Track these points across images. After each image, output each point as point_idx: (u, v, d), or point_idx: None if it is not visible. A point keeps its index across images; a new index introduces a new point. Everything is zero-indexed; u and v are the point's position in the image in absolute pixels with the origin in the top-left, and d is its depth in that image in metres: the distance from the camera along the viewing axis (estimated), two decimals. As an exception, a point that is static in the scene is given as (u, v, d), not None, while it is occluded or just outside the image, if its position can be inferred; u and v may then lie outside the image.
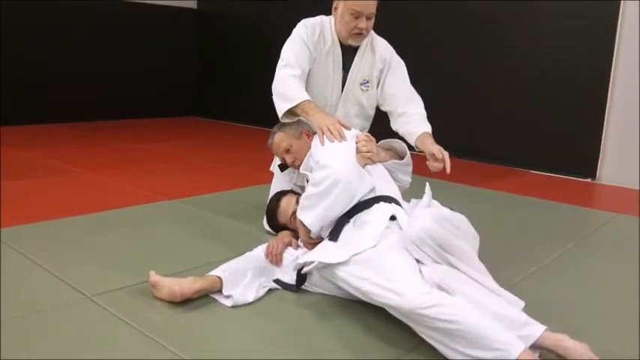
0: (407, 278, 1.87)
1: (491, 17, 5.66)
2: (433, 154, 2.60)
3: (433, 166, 2.59)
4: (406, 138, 2.82)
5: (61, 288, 2.28)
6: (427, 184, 2.32)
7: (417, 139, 2.75)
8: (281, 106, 2.76)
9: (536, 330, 1.80)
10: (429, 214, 2.05)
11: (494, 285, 2.00)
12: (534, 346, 1.77)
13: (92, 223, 3.11)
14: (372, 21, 2.81)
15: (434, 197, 2.27)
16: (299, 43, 2.86)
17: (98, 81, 7.50)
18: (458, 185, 2.33)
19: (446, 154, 2.57)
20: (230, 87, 8.20)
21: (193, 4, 8.52)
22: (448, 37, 5.96)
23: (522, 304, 1.99)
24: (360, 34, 2.81)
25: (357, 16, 2.74)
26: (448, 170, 2.53)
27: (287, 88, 2.78)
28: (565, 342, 1.77)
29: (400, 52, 3.05)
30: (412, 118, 2.86)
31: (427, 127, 2.81)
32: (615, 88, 5.02)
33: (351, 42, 2.87)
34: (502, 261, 2.14)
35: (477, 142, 5.85)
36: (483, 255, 2.20)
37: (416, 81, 3.03)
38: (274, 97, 2.81)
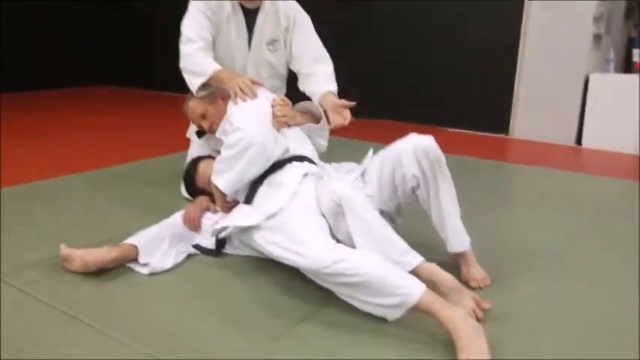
0: (310, 239, 1.90)
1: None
2: (334, 108, 2.60)
3: (335, 119, 2.59)
4: (311, 98, 2.82)
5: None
6: (371, 149, 2.41)
7: (321, 97, 2.73)
8: (194, 82, 2.74)
9: (414, 259, 1.93)
10: (427, 137, 2.16)
11: (455, 215, 2.17)
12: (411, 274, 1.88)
13: (3, 198, 3.01)
14: None
15: (356, 158, 2.32)
16: (196, 15, 2.83)
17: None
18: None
19: (347, 112, 2.58)
20: (146, 53, 7.98)
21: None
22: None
23: (468, 239, 2.19)
24: None
25: None
26: (346, 121, 2.57)
27: (195, 64, 2.76)
28: (436, 271, 1.92)
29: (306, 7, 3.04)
30: (318, 78, 2.86)
31: (332, 87, 2.81)
32: (525, 51, 5.19)
33: (247, 3, 2.87)
34: (420, 212, 2.23)
35: (391, 102, 5.94)
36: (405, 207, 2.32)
37: (326, 41, 3.02)
38: (184, 75, 2.78)
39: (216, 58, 2.83)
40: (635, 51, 5.24)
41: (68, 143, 4.54)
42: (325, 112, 2.64)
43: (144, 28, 7.91)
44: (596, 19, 4.94)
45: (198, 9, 2.83)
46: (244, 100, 2.51)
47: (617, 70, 5.39)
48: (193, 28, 2.82)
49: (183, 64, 2.80)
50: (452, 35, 5.53)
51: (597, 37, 5.10)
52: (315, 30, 3.00)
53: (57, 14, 7.59)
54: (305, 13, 3.00)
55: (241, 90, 2.54)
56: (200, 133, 2.85)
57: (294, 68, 3.01)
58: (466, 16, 5.42)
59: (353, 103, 2.60)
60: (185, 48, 2.81)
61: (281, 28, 2.95)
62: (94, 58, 8.04)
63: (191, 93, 2.75)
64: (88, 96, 7.41)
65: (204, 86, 2.73)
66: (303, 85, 2.91)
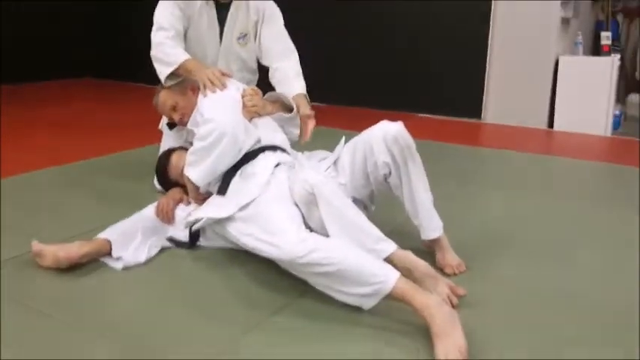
0: (284, 229, 1.90)
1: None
2: (302, 117, 2.65)
3: (306, 129, 2.65)
4: None
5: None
6: (343, 137, 2.41)
7: (292, 100, 2.74)
8: (162, 71, 2.73)
9: (388, 247, 1.94)
10: (397, 123, 2.17)
11: (428, 201, 2.18)
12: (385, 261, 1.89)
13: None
14: None
15: (328, 146, 2.32)
16: (169, 4, 2.82)
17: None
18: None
19: (311, 124, 2.64)
20: (116, 44, 7.86)
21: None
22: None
23: (441, 224, 2.20)
24: None
25: None
26: (305, 138, 2.65)
27: (164, 53, 2.74)
28: (410, 258, 1.93)
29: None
30: (287, 74, 2.86)
31: (301, 87, 2.82)
32: (494, 36, 5.22)
33: None
34: (393, 199, 2.25)
35: (362, 89, 5.95)
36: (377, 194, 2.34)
37: (293, 31, 3.02)
38: (154, 64, 2.76)
39: (187, 50, 2.81)
40: (603, 34, 5.30)
41: (38, 137, 4.47)
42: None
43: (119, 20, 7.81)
44: (564, 3, 4.99)
45: None
46: (214, 92, 2.50)
47: (585, 53, 5.46)
48: (165, 16, 2.81)
49: (154, 52, 2.78)
50: (422, 21, 5.54)
51: (565, 21, 5.16)
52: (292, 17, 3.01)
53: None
54: (275, 6, 2.99)
55: (210, 81, 2.52)
56: (171, 125, 2.83)
57: (263, 61, 3.02)
58: (437, 3, 5.42)
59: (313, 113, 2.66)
60: (156, 36, 2.80)
61: (251, 21, 2.94)
62: (69, 51, 7.92)
63: (161, 85, 2.73)
64: (61, 89, 7.27)
65: (172, 75, 2.71)
66: (273, 80, 2.92)
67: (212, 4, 2.88)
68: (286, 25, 3.00)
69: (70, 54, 7.92)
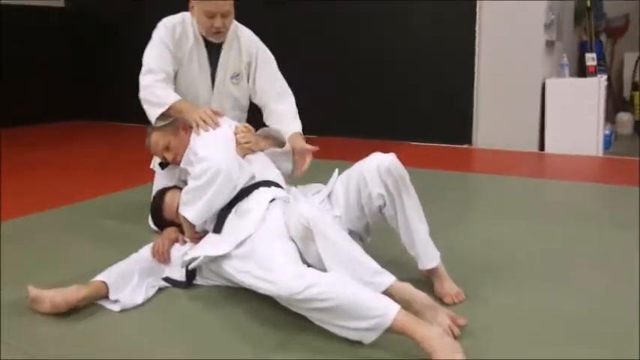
0: (280, 266, 1.90)
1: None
2: (300, 152, 2.67)
3: (303, 163, 2.65)
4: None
5: None
6: (336, 170, 2.43)
7: (289, 139, 2.77)
8: (152, 112, 2.75)
9: (386, 279, 1.93)
10: (390, 155, 2.18)
11: (423, 231, 2.19)
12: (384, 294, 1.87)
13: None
14: (230, 18, 2.81)
15: (322, 179, 2.33)
16: (159, 47, 2.83)
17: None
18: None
19: (308, 158, 2.65)
20: (109, 86, 7.90)
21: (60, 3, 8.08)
22: (317, 12, 6.03)
23: (438, 254, 2.20)
24: (219, 33, 2.81)
25: (211, 16, 2.74)
26: (299, 172, 2.66)
27: (154, 95, 2.77)
28: (409, 290, 1.91)
29: (265, 37, 3.07)
30: (283, 116, 2.89)
31: (298, 126, 2.85)
32: (480, 61, 5.28)
33: (212, 39, 2.87)
34: (387, 228, 2.25)
35: (353, 119, 6.00)
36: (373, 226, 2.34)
37: (284, 63, 3.06)
38: (144, 105, 2.79)
39: (178, 91, 2.84)
40: (588, 55, 5.37)
41: (30, 181, 4.47)
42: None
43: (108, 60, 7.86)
44: (547, 26, 5.06)
45: (161, 39, 2.84)
46: (206, 130, 2.51)
47: (571, 75, 5.52)
48: (155, 58, 2.83)
49: (143, 94, 2.80)
50: (409, 51, 5.61)
51: (550, 44, 5.23)
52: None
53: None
54: (267, 49, 3.04)
55: (203, 120, 2.54)
56: (163, 165, 2.84)
57: (257, 102, 3.05)
58: (423, 32, 5.50)
59: (316, 148, 2.65)
60: (145, 79, 2.81)
61: (243, 62, 2.98)
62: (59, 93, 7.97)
63: (151, 126, 2.74)
64: (52, 131, 7.28)
65: (162, 116, 2.74)
66: (269, 121, 2.94)
67: (203, 45, 2.91)
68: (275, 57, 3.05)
69: (60, 97, 7.97)
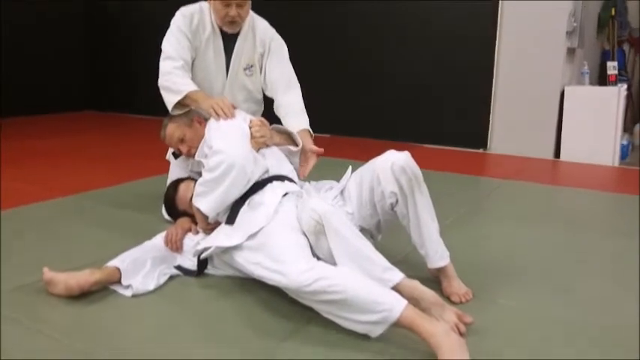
0: (291, 258, 1.92)
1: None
2: (304, 153, 2.69)
3: (306, 165, 2.68)
4: None
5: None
6: (350, 167, 2.44)
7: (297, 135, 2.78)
8: (170, 99, 2.76)
9: (395, 276, 1.94)
10: (404, 153, 2.20)
11: (434, 231, 2.20)
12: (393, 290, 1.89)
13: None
14: (246, 8, 2.84)
15: (335, 176, 2.33)
16: (177, 34, 2.85)
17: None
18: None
19: (312, 160, 2.68)
20: (120, 78, 8.01)
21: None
22: (335, 15, 6.05)
23: (448, 253, 2.21)
24: (234, 22, 2.84)
25: (227, 4, 2.76)
26: (303, 174, 2.67)
27: (172, 81, 2.78)
28: (417, 287, 1.93)
29: (284, 32, 3.08)
30: (290, 110, 2.89)
31: (305, 122, 2.85)
32: (500, 66, 5.27)
33: (227, 29, 2.89)
34: (398, 227, 2.26)
35: (369, 119, 6.01)
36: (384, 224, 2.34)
37: (300, 61, 3.07)
38: (162, 92, 2.81)
39: (194, 79, 2.86)
40: (610, 64, 5.33)
41: (47, 168, 4.54)
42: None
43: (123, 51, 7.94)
44: (569, 34, 5.04)
45: (179, 28, 2.86)
46: (223, 118, 2.54)
47: (592, 83, 5.49)
48: (173, 45, 2.85)
49: (162, 80, 2.82)
50: (429, 52, 5.60)
51: (571, 51, 5.20)
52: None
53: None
54: (280, 39, 3.04)
55: (219, 108, 2.56)
56: (176, 154, 2.86)
57: (268, 94, 3.06)
58: (443, 35, 5.49)
59: (321, 150, 2.68)
60: (164, 65, 2.84)
61: (257, 53, 2.99)
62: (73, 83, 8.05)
63: (167, 118, 2.76)
64: (67, 121, 7.37)
65: (179, 105, 2.76)
66: (278, 113, 2.94)
67: (219, 35, 2.93)
68: (291, 57, 3.05)
69: (70, 88, 8.07)
